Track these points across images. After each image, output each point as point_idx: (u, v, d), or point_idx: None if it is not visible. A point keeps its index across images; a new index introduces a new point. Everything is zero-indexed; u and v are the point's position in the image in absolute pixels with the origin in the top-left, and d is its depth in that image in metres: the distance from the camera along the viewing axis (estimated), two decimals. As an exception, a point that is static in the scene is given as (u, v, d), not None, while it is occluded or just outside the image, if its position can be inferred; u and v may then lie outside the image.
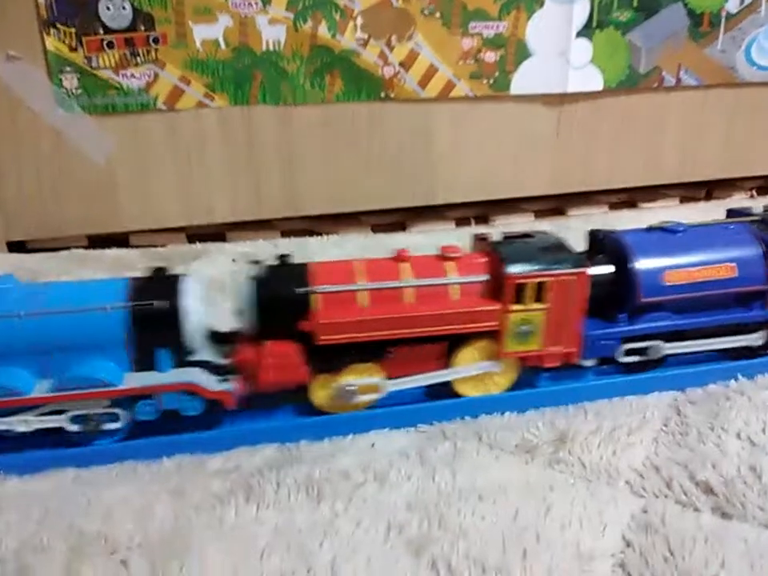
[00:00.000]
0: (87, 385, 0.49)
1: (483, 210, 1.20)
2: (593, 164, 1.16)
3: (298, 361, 0.52)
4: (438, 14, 0.99)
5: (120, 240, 1.02)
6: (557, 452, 0.53)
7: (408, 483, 0.49)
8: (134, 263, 0.87)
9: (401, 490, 0.49)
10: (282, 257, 0.55)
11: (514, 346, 0.56)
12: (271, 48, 0.96)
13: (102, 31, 0.89)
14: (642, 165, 1.19)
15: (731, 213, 0.67)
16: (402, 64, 1.01)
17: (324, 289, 0.53)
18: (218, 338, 0.55)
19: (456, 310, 0.54)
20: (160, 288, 0.51)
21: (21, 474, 0.50)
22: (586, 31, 1.05)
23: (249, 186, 1.03)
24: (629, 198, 1.25)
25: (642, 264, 0.58)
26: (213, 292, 0.56)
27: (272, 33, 0.95)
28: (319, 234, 1.08)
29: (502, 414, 0.58)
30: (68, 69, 0.90)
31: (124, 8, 0.89)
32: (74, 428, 0.51)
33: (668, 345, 0.61)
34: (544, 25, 1.04)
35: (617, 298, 0.59)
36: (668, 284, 0.59)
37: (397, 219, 1.18)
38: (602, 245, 0.62)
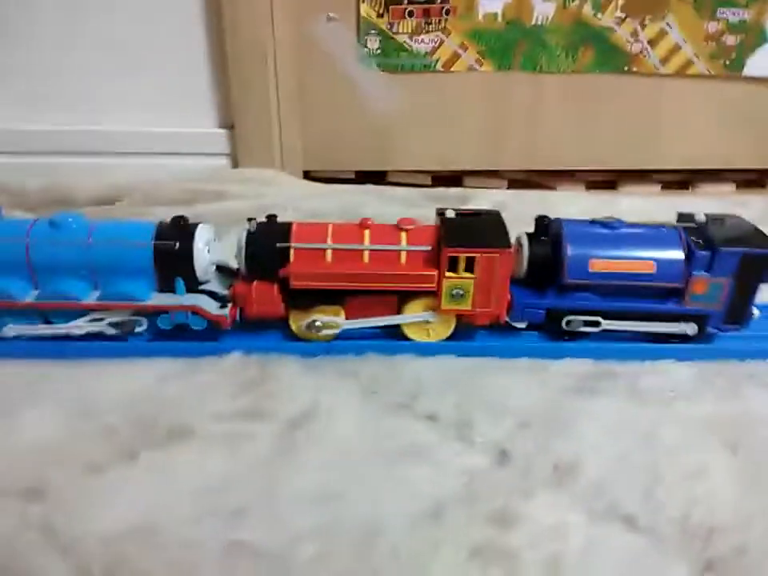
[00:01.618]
0: (124, 298, 0.65)
1: (689, 177, 1.31)
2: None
3: (277, 298, 0.66)
4: (691, -1, 1.09)
5: (379, 175, 1.22)
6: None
7: (709, 402, 0.65)
8: (416, 201, 1.06)
9: (704, 407, 0.65)
10: (270, 216, 0.68)
11: (449, 304, 0.67)
12: (539, 22, 1.09)
13: (406, 1, 1.05)
14: None
15: (681, 216, 0.73)
16: (650, 42, 1.12)
17: (298, 245, 0.65)
18: (224, 272, 0.70)
19: (401, 272, 0.66)
20: (178, 232, 0.65)
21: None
22: (824, 22, 1.12)
23: (494, 140, 1.19)
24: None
25: (572, 250, 0.67)
26: (219, 236, 0.69)
27: (543, 9, 1.08)
28: (538, 185, 1.24)
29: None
30: (373, 32, 1.07)
31: (427, -18, 1.04)
32: (112, 331, 0.67)
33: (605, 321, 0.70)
34: (785, 14, 1.12)
35: (550, 275, 0.69)
36: (592, 271, 0.67)
37: (608, 178, 1.31)
38: (547, 229, 0.70)
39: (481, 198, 1.08)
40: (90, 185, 1.02)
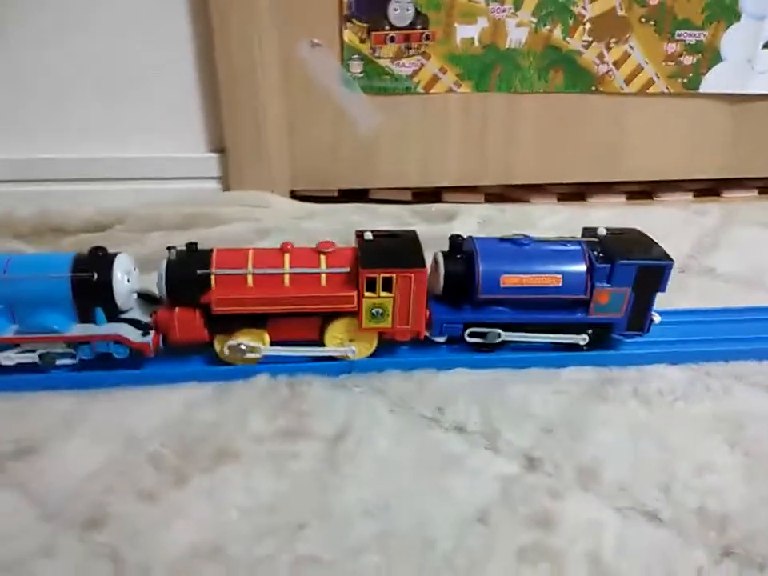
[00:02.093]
0: (44, 331, 0.66)
1: (650, 187, 1.39)
2: (756, 156, 1.34)
3: (200, 324, 0.67)
4: (652, 22, 1.17)
5: (361, 192, 1.25)
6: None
7: (705, 403, 0.70)
8: (404, 217, 1.10)
9: (703, 406, 0.70)
10: (190, 244, 0.68)
11: (370, 323, 0.69)
12: (513, 46, 1.15)
13: (387, 27, 1.09)
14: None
15: (586, 231, 0.77)
16: (614, 63, 1.19)
17: (219, 272, 0.66)
18: (147, 300, 0.71)
19: (322, 294, 0.68)
20: (96, 263, 0.66)
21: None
22: (772, 42, 1.22)
23: (473, 157, 1.24)
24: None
25: (484, 268, 0.71)
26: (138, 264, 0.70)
27: (517, 34, 1.14)
28: (513, 199, 1.30)
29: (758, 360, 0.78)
30: (356, 56, 1.11)
31: (408, 9, 1.08)
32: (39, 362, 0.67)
33: (504, 333, 0.74)
34: (737, 35, 1.21)
35: (465, 291, 0.72)
36: (503, 286, 0.71)
37: (577, 190, 1.38)
38: (461, 248, 0.73)
39: (466, 213, 1.13)
40: (82, 212, 1.01)
